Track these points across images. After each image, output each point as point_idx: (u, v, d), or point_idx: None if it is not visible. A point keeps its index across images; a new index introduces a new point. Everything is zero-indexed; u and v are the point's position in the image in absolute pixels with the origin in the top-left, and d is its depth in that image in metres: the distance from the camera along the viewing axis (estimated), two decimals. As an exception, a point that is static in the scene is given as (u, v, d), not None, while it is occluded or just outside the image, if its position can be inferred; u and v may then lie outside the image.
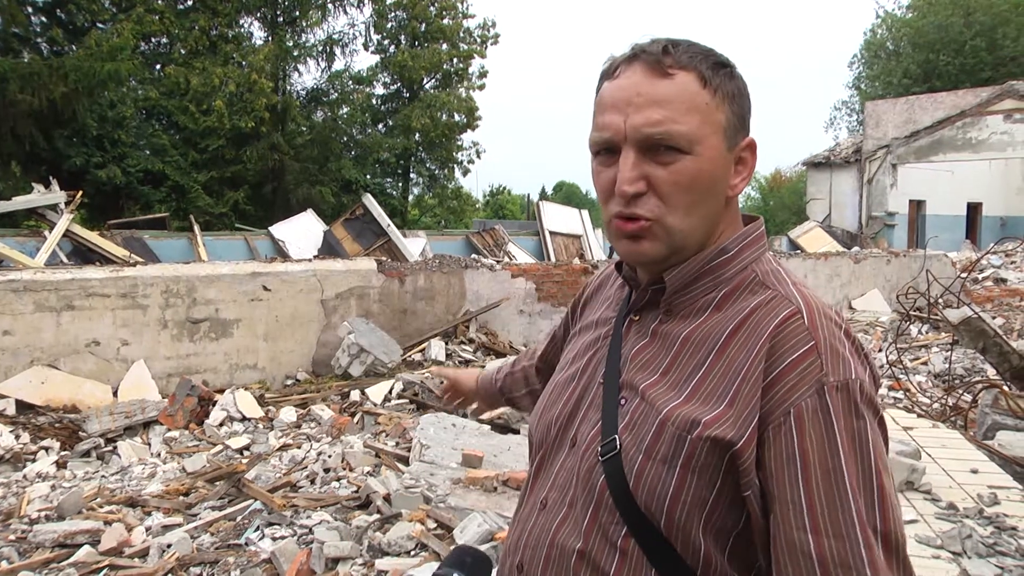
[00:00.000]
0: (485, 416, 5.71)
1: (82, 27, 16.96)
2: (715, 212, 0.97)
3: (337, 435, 5.63)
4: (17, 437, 5.49)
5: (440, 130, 22.94)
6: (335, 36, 21.92)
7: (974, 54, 26.50)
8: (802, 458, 0.83)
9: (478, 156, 25.59)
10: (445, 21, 23.37)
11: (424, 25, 23.02)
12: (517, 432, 5.41)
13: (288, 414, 6.23)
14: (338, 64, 22.60)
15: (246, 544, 3.63)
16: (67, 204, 11.44)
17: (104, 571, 3.43)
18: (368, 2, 21.91)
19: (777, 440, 0.85)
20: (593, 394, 1.02)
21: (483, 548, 2.95)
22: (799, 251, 15.51)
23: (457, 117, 23.58)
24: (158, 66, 19.44)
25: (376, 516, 3.80)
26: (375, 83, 23.80)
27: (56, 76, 13.00)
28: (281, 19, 20.75)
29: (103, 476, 5.01)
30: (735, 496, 0.87)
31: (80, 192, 12.10)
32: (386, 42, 23.51)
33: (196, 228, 13.24)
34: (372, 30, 22.76)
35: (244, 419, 6.16)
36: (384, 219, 13.83)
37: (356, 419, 6.01)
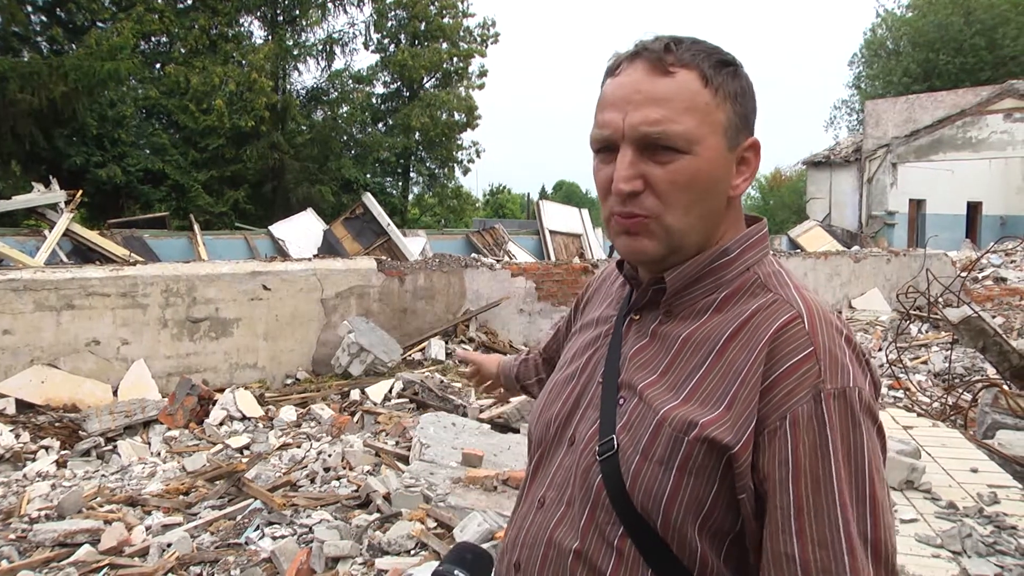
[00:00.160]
0: (485, 416, 5.71)
1: (82, 26, 16.95)
2: (715, 212, 0.96)
3: (337, 434, 5.63)
4: (17, 436, 5.49)
5: (440, 129, 22.94)
6: (335, 35, 21.94)
7: (974, 53, 26.50)
8: (794, 464, 0.83)
9: (478, 155, 25.60)
10: (445, 20, 23.36)
11: (424, 24, 23.00)
12: (517, 431, 5.41)
13: (288, 413, 6.23)
14: (338, 63, 22.64)
15: (246, 543, 3.63)
16: (67, 203, 11.45)
17: (104, 570, 3.43)
18: (368, 1, 21.91)
19: (772, 445, 0.84)
20: (592, 393, 1.02)
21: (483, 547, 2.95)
22: (799, 250, 15.52)
23: (457, 116, 23.58)
24: (158, 65, 19.42)
25: (376, 515, 3.80)
26: (375, 82, 23.79)
27: (56, 75, 13.00)
28: (281, 18, 20.75)
29: (103, 475, 5.01)
30: (731, 499, 0.87)
31: (80, 191, 12.10)
32: (386, 41, 23.50)
33: (196, 227, 13.24)
34: (372, 29, 22.76)
35: (244, 418, 6.16)
36: (384, 218, 13.83)
37: (356, 418, 6.01)
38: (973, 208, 22.26)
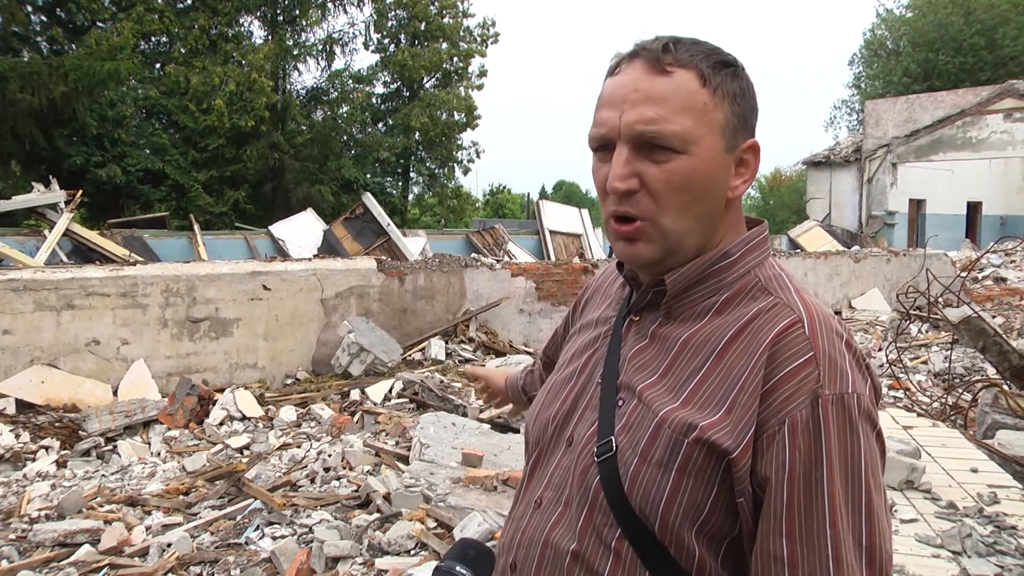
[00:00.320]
0: (485, 416, 5.71)
1: (82, 26, 16.95)
2: (713, 213, 0.95)
3: (337, 434, 5.63)
4: (17, 436, 5.49)
5: (440, 129, 22.95)
6: (335, 35, 21.94)
7: (974, 53, 26.50)
8: (790, 467, 0.83)
9: (478, 155, 25.59)
10: (445, 20, 23.36)
11: (424, 24, 23.00)
12: (517, 431, 5.41)
13: (288, 413, 6.23)
14: (338, 63, 22.64)
15: (246, 543, 3.63)
16: (67, 203, 11.44)
17: (104, 570, 3.43)
18: (368, 1, 21.91)
19: (770, 449, 0.84)
20: (591, 394, 1.02)
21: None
22: (799, 250, 15.51)
23: (457, 116, 23.58)
24: (158, 65, 19.42)
25: (376, 515, 3.80)
26: (375, 82, 23.78)
27: (56, 75, 13.00)
28: (281, 18, 20.75)
29: (103, 475, 5.01)
30: (729, 502, 0.87)
31: (80, 191, 12.10)
32: (386, 41, 23.50)
33: (196, 227, 13.24)
34: (372, 29, 22.75)
35: (244, 418, 6.16)
36: (384, 218, 13.83)
37: (356, 418, 6.01)
38: (973, 208, 22.26)
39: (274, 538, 3.64)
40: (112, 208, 16.30)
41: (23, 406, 5.94)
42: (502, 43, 26.61)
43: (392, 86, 24.27)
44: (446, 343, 8.29)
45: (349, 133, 22.54)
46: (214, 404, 6.23)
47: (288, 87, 21.29)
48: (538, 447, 1.07)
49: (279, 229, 13.65)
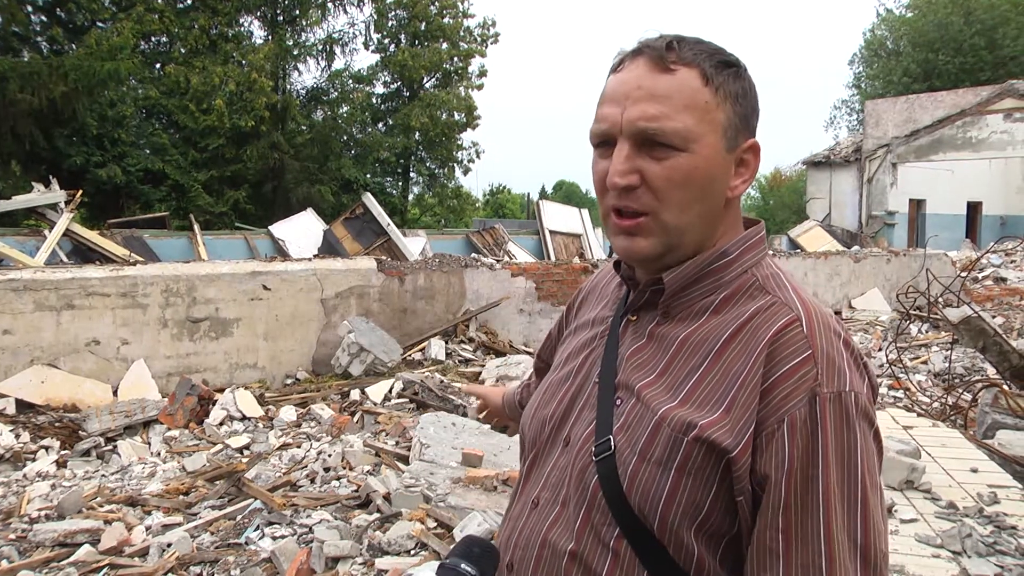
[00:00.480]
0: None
1: (82, 26, 16.95)
2: (712, 212, 0.95)
3: (337, 434, 5.63)
4: (17, 436, 5.49)
5: (440, 129, 22.95)
6: (335, 35, 21.93)
7: (974, 53, 26.50)
8: (788, 465, 0.84)
9: (478, 156, 25.59)
10: (445, 20, 23.36)
11: (424, 24, 23.00)
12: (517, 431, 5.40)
13: (288, 413, 6.23)
14: (338, 63, 22.64)
15: (246, 543, 3.63)
16: (67, 203, 11.45)
17: (104, 570, 3.43)
18: (368, 1, 21.91)
19: (770, 447, 0.85)
20: (588, 393, 1.02)
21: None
22: (799, 250, 15.51)
23: (457, 116, 23.59)
24: (158, 65, 19.42)
25: (376, 515, 3.80)
26: (375, 82, 23.78)
27: (56, 75, 13.00)
28: (281, 18, 20.75)
29: (103, 475, 5.01)
30: (729, 501, 0.87)
31: (80, 191, 12.10)
32: (386, 41, 23.50)
33: (196, 227, 13.25)
34: (372, 29, 22.76)
35: (244, 418, 6.16)
36: (384, 218, 13.83)
37: (356, 418, 6.01)
38: (973, 208, 22.26)
39: (274, 538, 3.64)
40: (112, 208, 16.30)
41: (23, 406, 5.94)
42: (502, 43, 26.64)
43: (392, 86, 24.27)
44: (446, 343, 8.29)
45: (349, 133, 22.54)
46: (214, 404, 6.23)
47: (288, 87, 21.29)
48: (535, 447, 1.07)
49: (279, 229, 13.65)
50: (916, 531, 3.18)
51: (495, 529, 3.33)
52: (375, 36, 23.06)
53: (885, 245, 17.35)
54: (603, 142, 0.95)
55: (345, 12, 21.81)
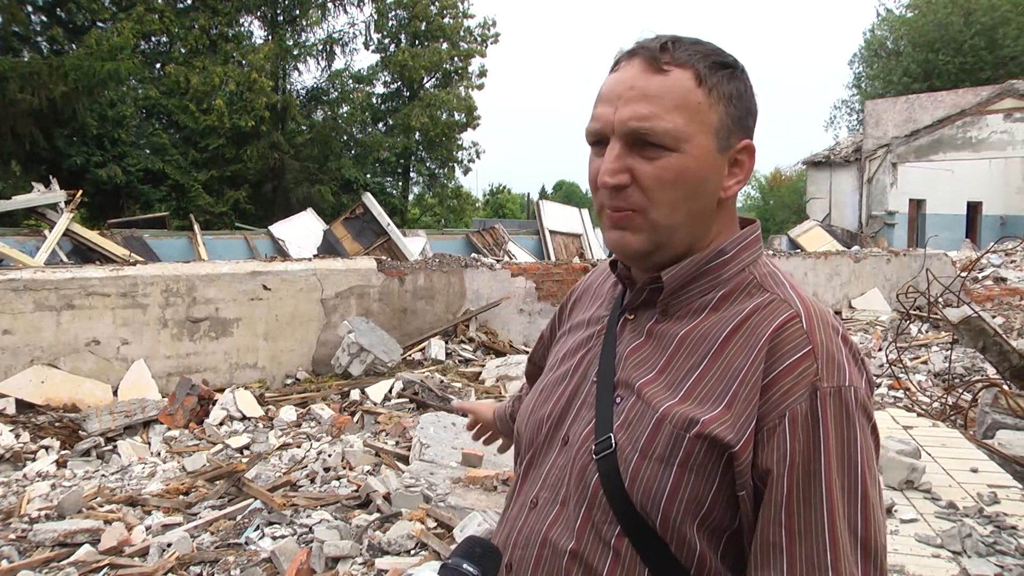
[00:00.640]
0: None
1: (82, 26, 16.96)
2: (704, 212, 0.96)
3: (337, 434, 5.63)
4: (17, 436, 5.49)
5: (440, 129, 22.96)
6: (335, 35, 21.96)
7: (974, 53, 26.50)
8: (790, 459, 0.84)
9: (478, 156, 25.60)
10: (446, 20, 23.37)
11: (424, 24, 23.01)
12: (517, 431, 5.40)
13: (288, 413, 6.23)
14: (338, 63, 22.65)
15: (246, 543, 3.63)
16: (67, 203, 11.45)
17: (104, 570, 3.44)
18: (368, 1, 21.93)
19: (771, 442, 0.85)
20: (586, 392, 1.02)
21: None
22: (799, 250, 15.51)
23: (457, 116, 23.60)
24: (158, 65, 19.43)
25: (376, 515, 3.81)
26: (375, 82, 23.80)
27: (56, 75, 13.01)
28: (281, 18, 20.76)
29: (103, 475, 5.01)
30: (731, 496, 0.88)
31: (80, 191, 12.11)
32: (386, 41, 23.51)
33: (196, 227, 13.25)
34: (372, 29, 22.78)
35: (244, 418, 6.16)
36: (384, 218, 13.83)
37: (356, 418, 6.01)
38: (973, 208, 22.26)
39: (274, 538, 3.64)
40: (112, 208, 16.31)
41: (23, 406, 5.94)
42: (502, 43, 26.65)
43: (392, 86, 24.29)
44: (446, 343, 8.29)
45: (349, 133, 22.55)
46: (214, 404, 6.23)
47: (288, 87, 21.30)
48: (532, 448, 1.07)
49: (279, 229, 13.66)
50: (916, 531, 3.18)
51: (495, 529, 3.33)
52: (375, 36, 23.11)
53: (885, 245, 17.35)
54: (597, 141, 0.96)
55: (345, 12, 21.87)
